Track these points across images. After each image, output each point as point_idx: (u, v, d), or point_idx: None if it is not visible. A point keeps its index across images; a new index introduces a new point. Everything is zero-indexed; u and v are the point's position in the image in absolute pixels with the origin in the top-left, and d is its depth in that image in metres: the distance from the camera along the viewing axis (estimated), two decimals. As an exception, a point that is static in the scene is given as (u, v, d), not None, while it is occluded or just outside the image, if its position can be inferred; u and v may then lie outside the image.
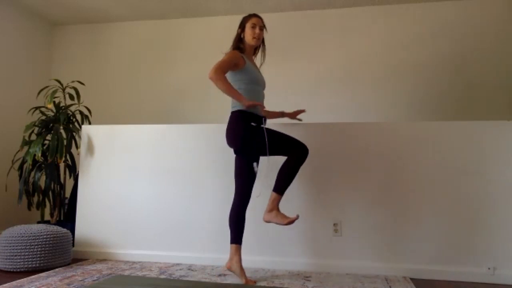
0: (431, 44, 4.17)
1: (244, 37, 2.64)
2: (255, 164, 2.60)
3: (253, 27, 2.61)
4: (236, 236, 2.54)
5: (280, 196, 2.48)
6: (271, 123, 2.86)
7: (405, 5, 4.25)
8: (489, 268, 2.70)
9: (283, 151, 2.49)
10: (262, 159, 2.76)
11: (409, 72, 4.18)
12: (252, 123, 2.51)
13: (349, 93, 4.25)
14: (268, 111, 2.86)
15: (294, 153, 2.45)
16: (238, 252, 2.53)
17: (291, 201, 2.91)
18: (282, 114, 2.93)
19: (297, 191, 2.94)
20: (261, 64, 2.80)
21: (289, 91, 4.33)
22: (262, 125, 2.57)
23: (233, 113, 2.57)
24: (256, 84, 2.61)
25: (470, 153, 2.85)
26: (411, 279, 2.72)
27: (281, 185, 2.46)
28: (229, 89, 2.43)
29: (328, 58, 4.34)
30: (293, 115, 2.94)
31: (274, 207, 2.47)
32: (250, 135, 2.49)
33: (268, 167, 2.76)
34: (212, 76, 2.41)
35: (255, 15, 2.66)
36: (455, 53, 4.12)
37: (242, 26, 2.66)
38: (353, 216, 2.92)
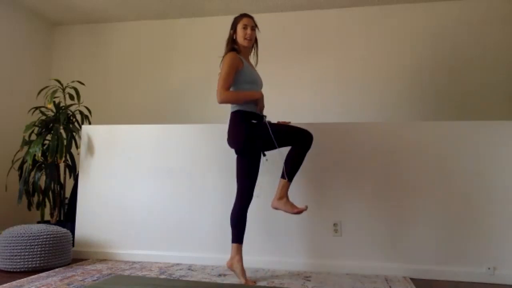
0: (431, 44, 4.17)
1: (236, 38, 2.60)
2: (264, 158, 2.60)
3: (245, 27, 2.57)
4: (238, 235, 2.54)
5: (289, 182, 2.48)
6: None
7: (405, 5, 4.25)
8: (489, 268, 2.70)
9: (288, 141, 2.48)
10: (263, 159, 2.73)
11: (409, 72, 4.18)
12: (253, 120, 2.51)
13: (349, 93, 4.25)
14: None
15: (299, 140, 2.46)
16: (239, 251, 2.53)
17: (291, 200, 2.90)
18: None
19: (297, 191, 2.94)
20: (255, 64, 2.77)
21: (288, 91, 4.32)
22: (263, 121, 2.55)
23: (233, 113, 2.56)
24: (255, 84, 2.60)
25: (470, 153, 2.85)
26: (411, 279, 2.72)
27: (289, 171, 2.46)
28: (239, 98, 2.46)
29: (327, 58, 4.34)
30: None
31: (283, 194, 2.48)
32: (253, 132, 2.49)
33: (267, 166, 2.74)
34: (221, 100, 2.44)
35: (246, 15, 2.62)
36: (455, 53, 4.12)
37: (233, 27, 2.62)
38: (353, 216, 2.92)
